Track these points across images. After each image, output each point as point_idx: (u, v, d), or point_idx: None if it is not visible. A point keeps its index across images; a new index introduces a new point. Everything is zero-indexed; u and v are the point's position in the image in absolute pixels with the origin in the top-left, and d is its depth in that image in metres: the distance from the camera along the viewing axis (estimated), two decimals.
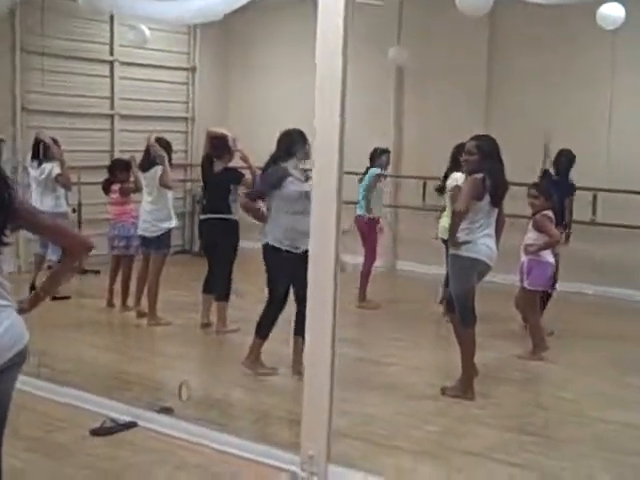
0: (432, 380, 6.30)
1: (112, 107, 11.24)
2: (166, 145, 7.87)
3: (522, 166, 8.09)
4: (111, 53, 11.17)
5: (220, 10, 4.45)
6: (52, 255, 8.59)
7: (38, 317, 3.70)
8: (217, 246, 7.61)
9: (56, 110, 10.52)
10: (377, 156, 9.24)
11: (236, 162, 7.71)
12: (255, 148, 9.98)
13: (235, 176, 7.53)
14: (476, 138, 6.10)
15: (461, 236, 5.82)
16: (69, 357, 6.75)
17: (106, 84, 11.16)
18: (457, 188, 7.78)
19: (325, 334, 4.23)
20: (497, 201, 5.93)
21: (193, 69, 12.27)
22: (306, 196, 6.08)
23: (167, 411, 5.35)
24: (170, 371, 6.51)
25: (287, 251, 6.14)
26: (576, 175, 8.37)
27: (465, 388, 5.93)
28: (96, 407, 5.44)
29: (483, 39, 10.52)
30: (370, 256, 9.02)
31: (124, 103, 11.33)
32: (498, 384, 6.31)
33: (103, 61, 11.13)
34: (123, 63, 11.26)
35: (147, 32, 10.25)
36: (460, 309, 5.96)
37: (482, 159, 5.87)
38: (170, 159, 7.84)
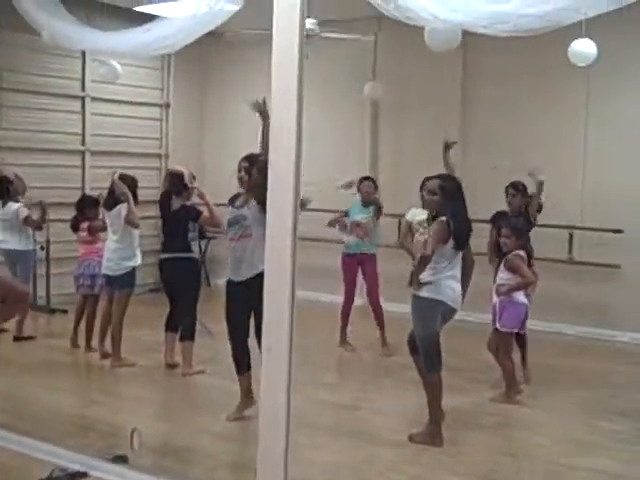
0: (399, 426, 6.08)
1: (83, 143, 11.06)
2: (131, 182, 7.70)
3: (497, 199, 8.02)
4: (82, 89, 11.02)
5: (176, 42, 4.30)
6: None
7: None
8: (178, 285, 7.45)
9: (26, 146, 10.34)
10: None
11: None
12: (233, 183, 9.98)
13: (193, 213, 7.42)
14: (439, 177, 5.96)
15: (424, 277, 5.65)
16: (26, 401, 6.52)
17: (77, 120, 10.99)
18: (407, 225, 8.04)
19: (280, 379, 4.02)
20: (461, 244, 5.77)
21: (166, 105, 12.12)
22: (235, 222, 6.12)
23: (121, 460, 5.12)
24: (129, 415, 6.26)
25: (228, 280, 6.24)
26: (550, 211, 8.22)
27: (433, 434, 5.72)
28: (47, 455, 5.21)
29: (457, 71, 10.46)
30: (346, 295, 8.81)
31: (95, 139, 11.15)
32: (469, 429, 6.09)
33: (74, 97, 10.96)
34: (95, 99, 11.10)
35: (118, 67, 10.09)
36: (424, 353, 5.75)
37: (445, 200, 5.72)
38: (135, 196, 7.67)
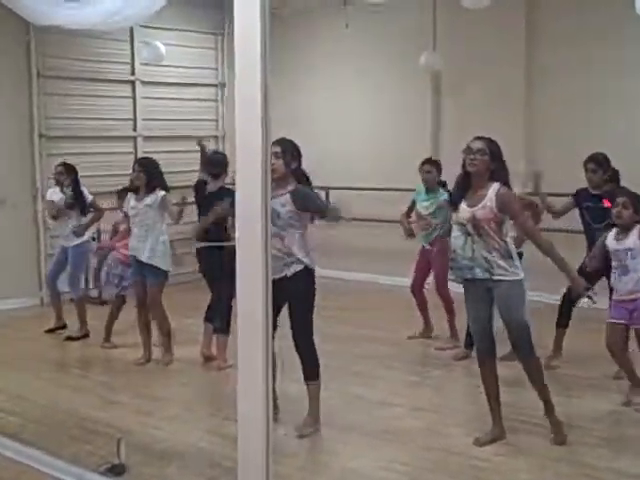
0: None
1: (135, 128, 10.80)
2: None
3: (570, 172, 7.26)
4: (132, 72, 10.75)
5: (136, 14, 3.89)
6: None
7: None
8: (215, 275, 7.05)
9: (74, 135, 10.16)
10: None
11: None
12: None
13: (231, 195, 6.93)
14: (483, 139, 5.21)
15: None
16: (43, 402, 6.28)
17: (128, 105, 10.73)
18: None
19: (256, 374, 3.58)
20: None
21: (222, 85, 11.72)
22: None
23: (116, 470, 4.77)
24: (146, 417, 5.92)
25: None
26: None
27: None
28: (43, 466, 4.92)
29: (520, 36, 9.70)
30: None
31: (148, 124, 10.88)
32: None
33: (124, 81, 10.70)
34: (145, 82, 10.83)
35: (162, 48, 9.82)
36: (524, 339, 5.14)
37: (492, 161, 5.11)
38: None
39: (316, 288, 5.55)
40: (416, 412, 5.97)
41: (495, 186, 5.04)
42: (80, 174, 9.01)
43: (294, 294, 5.42)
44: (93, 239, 9.57)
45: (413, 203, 7.94)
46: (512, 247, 5.09)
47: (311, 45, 11.55)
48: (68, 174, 8.30)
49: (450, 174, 9.89)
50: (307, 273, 5.48)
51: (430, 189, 7.75)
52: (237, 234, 3.64)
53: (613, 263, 5.80)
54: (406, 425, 5.68)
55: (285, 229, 5.41)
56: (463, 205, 5.11)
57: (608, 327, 5.88)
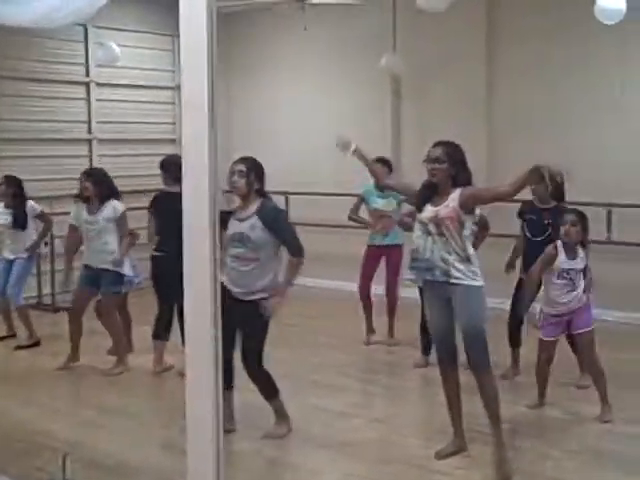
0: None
1: (90, 131, 10.56)
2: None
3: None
4: (87, 74, 10.50)
5: (78, 10, 3.70)
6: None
7: None
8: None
9: (27, 137, 9.89)
10: None
11: None
12: None
13: None
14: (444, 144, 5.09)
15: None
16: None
17: (82, 107, 10.48)
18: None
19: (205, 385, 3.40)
20: None
21: (179, 87, 11.46)
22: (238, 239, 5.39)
23: None
24: (96, 430, 5.72)
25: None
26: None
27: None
28: None
29: (480, 36, 9.64)
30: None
31: (102, 127, 10.65)
32: None
33: (78, 83, 10.45)
34: (100, 84, 10.59)
35: (117, 50, 9.60)
36: (479, 348, 4.93)
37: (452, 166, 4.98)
38: None
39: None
40: (375, 423, 5.85)
41: (458, 191, 4.92)
42: (33, 177, 8.88)
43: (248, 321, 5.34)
44: (45, 244, 9.35)
45: (360, 201, 7.97)
46: (472, 251, 4.97)
47: (270, 44, 11.41)
48: (8, 187, 8.06)
49: (412, 178, 9.95)
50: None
51: (379, 188, 7.58)
52: (184, 243, 3.44)
53: (558, 280, 5.74)
54: (365, 437, 5.55)
55: (258, 252, 5.30)
56: (428, 206, 5.00)
57: (542, 345, 5.93)
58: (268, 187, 5.57)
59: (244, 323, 5.34)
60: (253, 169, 5.39)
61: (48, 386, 6.84)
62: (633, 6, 7.40)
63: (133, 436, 5.62)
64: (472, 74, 9.69)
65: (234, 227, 5.36)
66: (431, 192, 5.03)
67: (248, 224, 5.29)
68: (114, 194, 7.18)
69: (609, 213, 8.64)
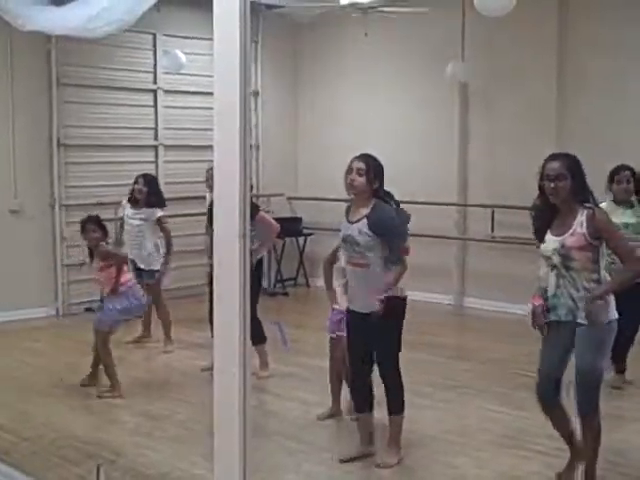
0: None
1: (156, 137, 10.64)
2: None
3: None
4: (154, 81, 10.59)
5: (120, 17, 3.67)
6: None
7: None
8: None
9: (94, 144, 10.03)
10: None
11: None
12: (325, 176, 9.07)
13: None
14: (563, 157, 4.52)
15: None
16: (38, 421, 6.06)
17: (150, 114, 10.58)
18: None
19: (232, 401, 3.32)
20: None
21: (255, 93, 11.48)
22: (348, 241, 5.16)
23: None
24: (141, 438, 5.70)
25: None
26: None
27: None
28: None
29: (552, 45, 9.37)
30: None
31: (169, 133, 10.73)
32: None
33: (146, 90, 10.55)
34: (168, 91, 10.68)
35: (182, 57, 9.67)
36: (589, 390, 4.48)
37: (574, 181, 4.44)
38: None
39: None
40: None
41: (585, 213, 4.38)
42: (102, 183, 9.03)
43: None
44: None
45: None
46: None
47: (333, 53, 11.38)
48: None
49: (478, 194, 9.77)
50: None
51: None
52: (215, 250, 3.39)
53: None
54: None
55: (365, 256, 5.03)
56: (549, 235, 4.51)
57: None
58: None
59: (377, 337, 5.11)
60: (372, 167, 5.04)
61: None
62: None
63: (178, 445, 5.59)
64: (543, 85, 9.46)
65: (345, 229, 5.13)
66: (551, 216, 4.52)
67: (357, 227, 5.02)
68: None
69: None
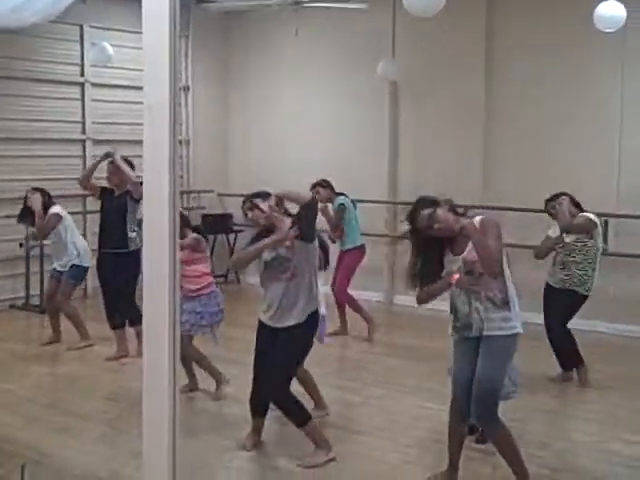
0: None
1: (84, 131, 10.44)
2: None
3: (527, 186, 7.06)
4: (82, 74, 10.38)
5: (45, 8, 3.59)
6: None
7: None
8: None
9: (22, 137, 9.81)
10: None
11: None
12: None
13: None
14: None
15: None
16: None
17: (77, 107, 10.37)
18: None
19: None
20: None
21: (185, 88, 11.37)
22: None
23: None
24: (69, 438, 5.59)
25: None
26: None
27: None
28: None
29: (480, 43, 9.50)
30: None
31: (97, 127, 10.53)
32: None
33: (73, 83, 10.33)
34: (95, 84, 10.48)
35: (110, 49, 9.48)
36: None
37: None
38: None
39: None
40: None
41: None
42: (28, 177, 8.84)
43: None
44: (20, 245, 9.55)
45: None
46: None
47: (266, 49, 11.35)
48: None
49: (408, 189, 9.84)
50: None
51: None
52: (144, 246, 3.34)
53: None
54: None
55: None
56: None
57: None
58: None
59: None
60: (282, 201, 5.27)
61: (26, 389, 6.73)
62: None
63: (105, 445, 5.49)
64: (471, 84, 9.57)
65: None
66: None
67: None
68: None
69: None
